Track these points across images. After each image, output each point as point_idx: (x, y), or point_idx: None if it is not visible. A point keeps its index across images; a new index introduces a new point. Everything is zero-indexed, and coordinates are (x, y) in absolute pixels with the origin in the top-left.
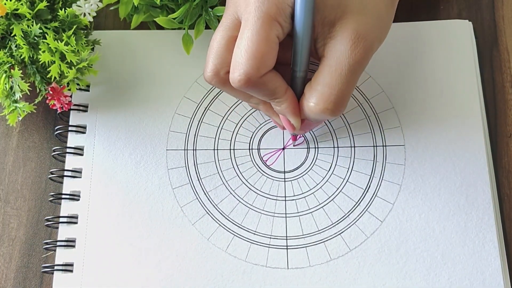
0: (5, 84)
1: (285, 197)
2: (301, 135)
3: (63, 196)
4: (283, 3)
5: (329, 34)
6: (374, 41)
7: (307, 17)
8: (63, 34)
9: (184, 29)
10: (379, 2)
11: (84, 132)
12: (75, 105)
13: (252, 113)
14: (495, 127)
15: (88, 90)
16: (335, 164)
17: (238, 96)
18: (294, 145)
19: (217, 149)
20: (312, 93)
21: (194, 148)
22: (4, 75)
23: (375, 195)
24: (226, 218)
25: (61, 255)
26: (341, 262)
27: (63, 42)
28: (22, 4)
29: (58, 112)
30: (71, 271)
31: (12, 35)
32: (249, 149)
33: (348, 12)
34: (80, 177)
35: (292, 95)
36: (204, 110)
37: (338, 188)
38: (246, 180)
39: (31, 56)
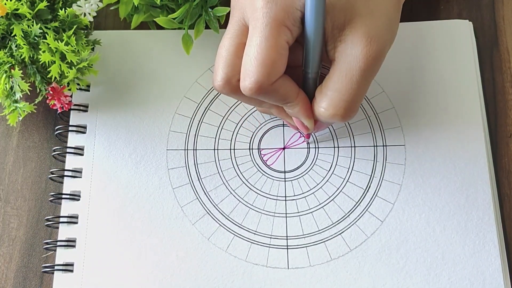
0: (5, 84)
1: (285, 197)
2: (302, 135)
3: (63, 196)
4: (291, 7)
5: (339, 38)
6: (385, 43)
7: (318, 19)
8: (63, 34)
9: (184, 29)
10: (388, 4)
11: (84, 132)
12: (75, 105)
13: (253, 113)
14: (495, 127)
15: (88, 90)
16: (336, 164)
17: (250, 102)
18: (307, 142)
19: (217, 149)
20: (322, 98)
21: (195, 148)
22: (4, 75)
23: (376, 195)
24: (226, 218)
25: (61, 255)
26: (342, 262)
27: (63, 42)
28: (22, 4)
29: (58, 112)
30: (72, 271)
31: (12, 35)
32: (249, 149)
33: (357, 14)
34: (80, 177)
35: (304, 97)
36: (205, 110)
37: (338, 188)
38: (247, 180)
39: (31, 56)
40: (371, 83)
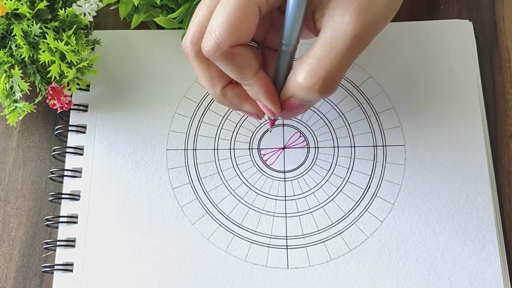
0: (5, 84)
1: (285, 197)
2: (302, 135)
3: (63, 196)
4: None
5: (328, 4)
6: (378, 17)
7: None
8: (63, 34)
9: (184, 29)
10: None
11: (84, 132)
12: (75, 104)
13: None
14: (495, 127)
15: (88, 90)
16: (335, 164)
17: (204, 74)
18: (270, 132)
19: (217, 149)
20: (301, 66)
21: (194, 148)
22: (4, 75)
23: (375, 195)
24: (226, 217)
25: (61, 255)
26: (341, 262)
27: (63, 42)
28: (22, 4)
29: (58, 112)
30: (71, 271)
31: (12, 35)
32: (249, 148)
33: None
34: (80, 177)
35: (264, 78)
36: (204, 110)
37: (338, 188)
38: (246, 180)
39: (31, 56)
40: (352, 64)
